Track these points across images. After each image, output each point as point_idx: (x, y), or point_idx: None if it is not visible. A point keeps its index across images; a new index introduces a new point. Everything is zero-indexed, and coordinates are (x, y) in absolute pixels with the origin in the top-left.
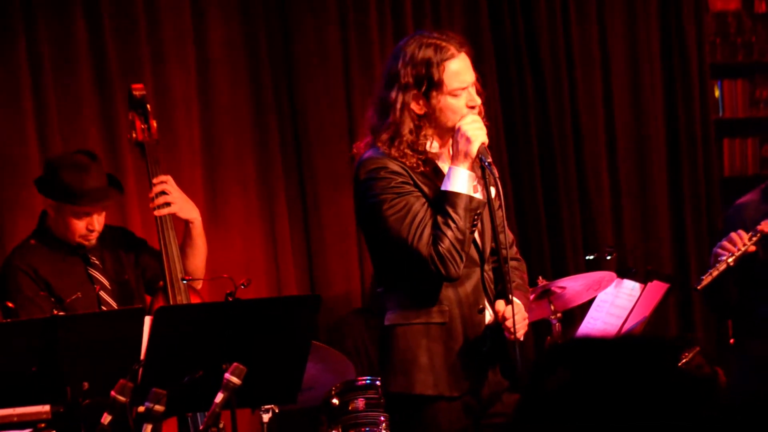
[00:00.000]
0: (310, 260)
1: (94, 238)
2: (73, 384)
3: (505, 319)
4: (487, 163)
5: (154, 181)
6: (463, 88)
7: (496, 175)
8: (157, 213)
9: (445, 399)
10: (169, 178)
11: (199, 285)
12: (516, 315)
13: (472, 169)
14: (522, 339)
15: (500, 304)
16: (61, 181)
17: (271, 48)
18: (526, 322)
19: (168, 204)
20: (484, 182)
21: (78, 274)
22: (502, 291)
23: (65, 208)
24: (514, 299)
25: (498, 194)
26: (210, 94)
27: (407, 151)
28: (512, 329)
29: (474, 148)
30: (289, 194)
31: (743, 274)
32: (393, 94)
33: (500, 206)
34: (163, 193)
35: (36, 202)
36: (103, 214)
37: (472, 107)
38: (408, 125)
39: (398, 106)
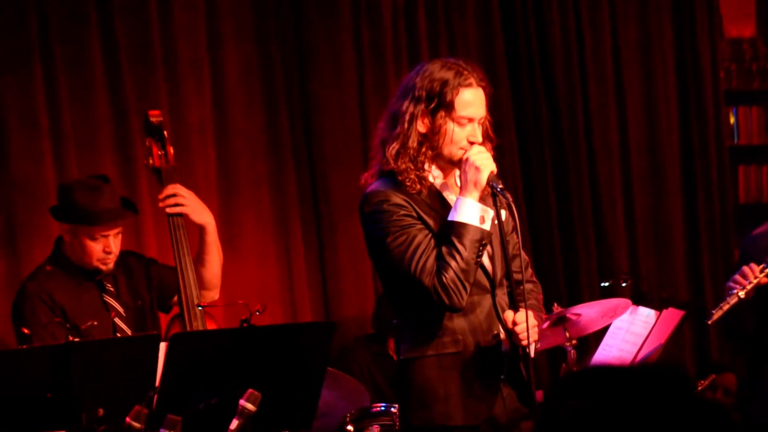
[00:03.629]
0: (325, 285)
1: (111, 261)
2: (88, 410)
3: (515, 324)
4: (499, 189)
5: (165, 190)
6: (470, 120)
7: (510, 199)
8: (169, 210)
9: (464, 429)
10: (179, 185)
11: (215, 296)
12: (524, 323)
13: (481, 199)
14: (531, 350)
15: (509, 313)
16: (75, 204)
17: (286, 73)
18: (536, 329)
19: (180, 205)
20: (496, 209)
21: (93, 301)
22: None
23: (81, 230)
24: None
25: (513, 217)
26: (225, 120)
27: (410, 165)
28: (522, 335)
29: (484, 177)
30: (303, 219)
31: (760, 304)
32: (405, 105)
33: (514, 228)
34: (174, 196)
35: (52, 227)
36: (119, 237)
37: (472, 144)
38: (414, 138)
39: (407, 117)
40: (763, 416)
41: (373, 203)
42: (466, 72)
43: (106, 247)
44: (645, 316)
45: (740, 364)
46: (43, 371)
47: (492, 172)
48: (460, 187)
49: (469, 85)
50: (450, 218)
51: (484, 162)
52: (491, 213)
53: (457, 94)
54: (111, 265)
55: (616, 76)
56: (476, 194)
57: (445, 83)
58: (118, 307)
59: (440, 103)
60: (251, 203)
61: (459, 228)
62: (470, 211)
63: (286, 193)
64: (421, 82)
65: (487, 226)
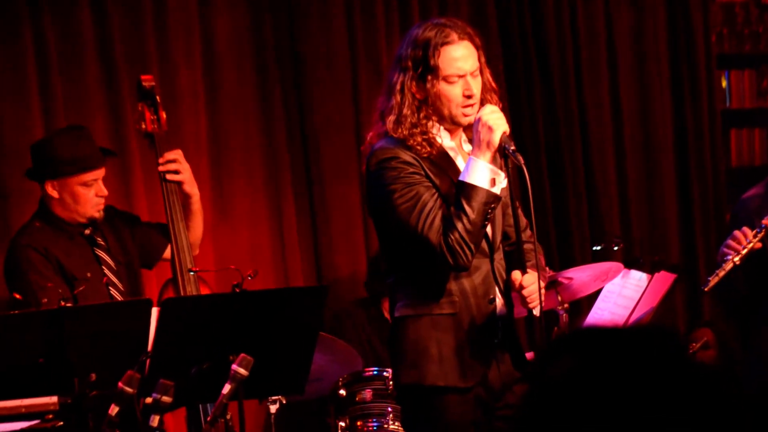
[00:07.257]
0: (317, 251)
1: (103, 205)
2: (80, 375)
3: (522, 287)
4: (511, 151)
5: (167, 154)
6: (460, 76)
7: (522, 161)
8: (169, 177)
9: (455, 390)
10: (179, 151)
11: (195, 252)
12: (532, 285)
13: (492, 160)
14: (537, 312)
15: (516, 273)
16: (60, 157)
17: (278, 39)
18: (543, 291)
19: (177, 172)
20: (507, 171)
21: (86, 255)
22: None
23: (72, 181)
24: (529, 270)
25: (524, 179)
26: (216, 87)
27: (414, 130)
28: (531, 298)
29: (496, 137)
30: (295, 185)
31: (753, 268)
32: (395, 77)
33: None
34: (175, 162)
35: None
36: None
37: (469, 96)
38: (409, 107)
39: (398, 87)
40: (752, 383)
41: (381, 159)
42: (446, 29)
43: (98, 192)
44: (637, 279)
45: (732, 328)
46: (36, 336)
47: (504, 133)
48: (473, 147)
49: (451, 41)
50: (461, 177)
51: (497, 122)
52: (502, 175)
53: (439, 55)
54: (102, 212)
55: (607, 40)
56: (489, 155)
57: (426, 46)
58: (109, 262)
59: (426, 68)
60: (243, 168)
61: (468, 190)
62: (481, 172)
63: (277, 158)
64: (406, 50)
65: (497, 190)
